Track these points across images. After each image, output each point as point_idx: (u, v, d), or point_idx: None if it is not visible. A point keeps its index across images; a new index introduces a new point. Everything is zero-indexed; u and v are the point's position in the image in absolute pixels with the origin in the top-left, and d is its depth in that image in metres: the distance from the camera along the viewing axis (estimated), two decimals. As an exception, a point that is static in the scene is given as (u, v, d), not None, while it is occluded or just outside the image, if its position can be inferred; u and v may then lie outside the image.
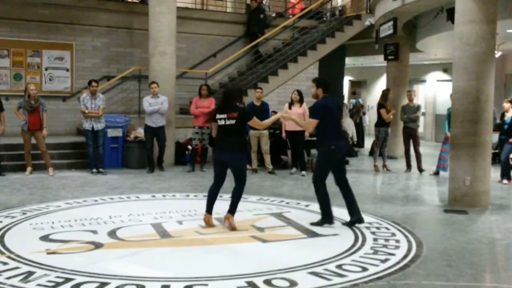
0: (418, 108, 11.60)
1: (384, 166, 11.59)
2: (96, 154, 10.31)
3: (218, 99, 12.21)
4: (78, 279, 4.47)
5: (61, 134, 12.28)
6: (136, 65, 12.82)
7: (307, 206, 7.62)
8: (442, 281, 4.65)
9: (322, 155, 6.52)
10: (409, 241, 5.89)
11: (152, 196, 8.30)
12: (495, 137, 10.57)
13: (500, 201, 8.46)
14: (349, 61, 19.39)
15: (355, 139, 15.70)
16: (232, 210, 6.26)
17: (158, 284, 4.40)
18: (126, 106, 12.64)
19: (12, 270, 4.69)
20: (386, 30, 13.06)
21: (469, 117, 7.71)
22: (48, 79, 12.78)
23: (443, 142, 10.81)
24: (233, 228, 6.16)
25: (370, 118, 18.84)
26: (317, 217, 6.59)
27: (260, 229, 6.29)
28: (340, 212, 6.75)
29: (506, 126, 10.34)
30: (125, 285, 4.36)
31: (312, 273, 4.76)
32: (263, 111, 10.53)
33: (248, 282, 4.48)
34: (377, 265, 5.02)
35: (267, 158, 10.96)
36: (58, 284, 4.37)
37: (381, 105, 11.41)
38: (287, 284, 4.47)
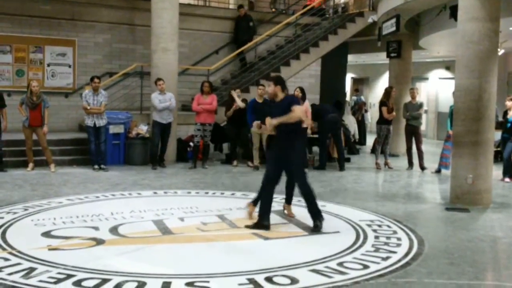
0: (420, 105, 11.59)
1: (386, 163, 11.58)
2: (98, 150, 10.32)
3: (220, 96, 12.28)
4: (80, 275, 4.47)
5: (63, 131, 12.28)
6: (138, 61, 12.80)
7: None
8: (444, 279, 4.65)
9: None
10: (410, 239, 5.89)
11: (154, 193, 8.30)
12: (497, 135, 10.55)
13: (502, 199, 8.45)
14: (351, 58, 19.38)
15: (356, 136, 15.71)
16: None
17: (159, 280, 4.40)
18: (128, 103, 12.64)
19: (14, 266, 4.69)
20: (388, 27, 13.04)
21: (471, 115, 7.70)
22: (50, 75, 12.77)
23: (445, 140, 10.79)
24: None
25: (372, 116, 18.82)
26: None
27: (262, 226, 6.28)
28: (339, 209, 6.73)
29: (508, 124, 10.31)
30: (127, 281, 4.36)
31: (313, 270, 4.76)
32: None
33: (249, 279, 4.48)
34: (378, 263, 5.02)
35: (269, 155, 10.93)
36: (60, 280, 4.37)
37: (383, 103, 11.39)
38: (288, 281, 4.47)
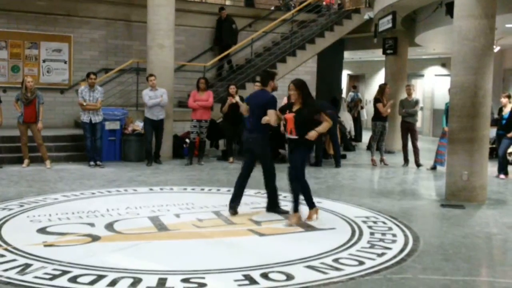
0: (416, 102, 11.60)
1: (382, 160, 11.60)
2: (93, 147, 10.29)
3: (216, 92, 12.27)
4: (75, 271, 4.47)
5: (58, 127, 12.26)
6: (134, 57, 12.78)
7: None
8: (439, 275, 4.67)
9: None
10: (406, 235, 5.91)
11: (150, 189, 8.29)
12: (492, 132, 10.60)
13: (497, 196, 8.48)
14: (347, 55, 19.39)
15: (352, 133, 15.73)
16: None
17: (155, 277, 4.40)
18: (124, 99, 12.60)
19: (9, 263, 4.69)
20: (385, 24, 13.04)
21: (467, 112, 7.72)
22: (46, 71, 12.74)
23: (441, 136, 10.82)
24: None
25: (368, 112, 18.85)
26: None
27: (257, 223, 6.30)
28: (335, 205, 6.75)
29: (504, 121, 10.34)
30: (122, 277, 4.36)
31: (309, 266, 4.77)
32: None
33: (245, 275, 4.49)
34: (373, 259, 5.04)
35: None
36: (55, 276, 4.37)
37: (377, 99, 11.40)
38: (284, 277, 4.48)
